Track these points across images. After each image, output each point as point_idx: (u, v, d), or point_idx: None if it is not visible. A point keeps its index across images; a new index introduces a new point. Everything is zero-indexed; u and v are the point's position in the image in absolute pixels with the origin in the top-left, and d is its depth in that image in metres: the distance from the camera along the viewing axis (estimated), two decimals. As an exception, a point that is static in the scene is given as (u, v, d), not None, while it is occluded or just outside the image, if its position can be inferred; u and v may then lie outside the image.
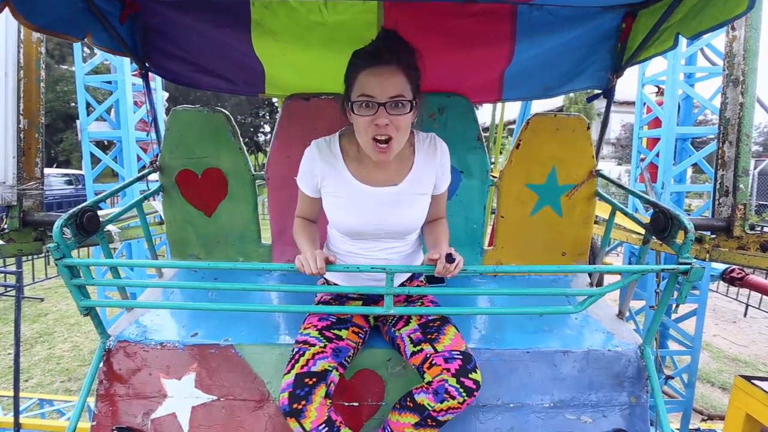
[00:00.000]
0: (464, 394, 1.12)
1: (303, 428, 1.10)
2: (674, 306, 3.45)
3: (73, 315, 5.37)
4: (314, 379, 1.13)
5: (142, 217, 1.74)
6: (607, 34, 1.79)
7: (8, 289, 5.33)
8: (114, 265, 1.38)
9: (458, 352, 1.18)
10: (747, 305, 5.51)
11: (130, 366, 1.38)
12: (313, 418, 1.10)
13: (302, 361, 1.16)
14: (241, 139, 1.84)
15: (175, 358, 1.37)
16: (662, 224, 1.40)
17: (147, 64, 1.87)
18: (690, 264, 1.18)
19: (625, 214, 1.66)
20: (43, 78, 1.59)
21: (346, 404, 1.33)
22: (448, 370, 1.15)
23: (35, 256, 6.49)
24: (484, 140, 1.84)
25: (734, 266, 2.31)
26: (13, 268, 3.85)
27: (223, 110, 1.79)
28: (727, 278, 2.30)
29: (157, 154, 1.83)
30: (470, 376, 1.14)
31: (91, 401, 1.46)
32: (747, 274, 2.25)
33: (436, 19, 1.71)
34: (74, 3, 1.47)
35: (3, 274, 4.74)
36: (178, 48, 1.83)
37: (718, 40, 3.16)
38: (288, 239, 1.80)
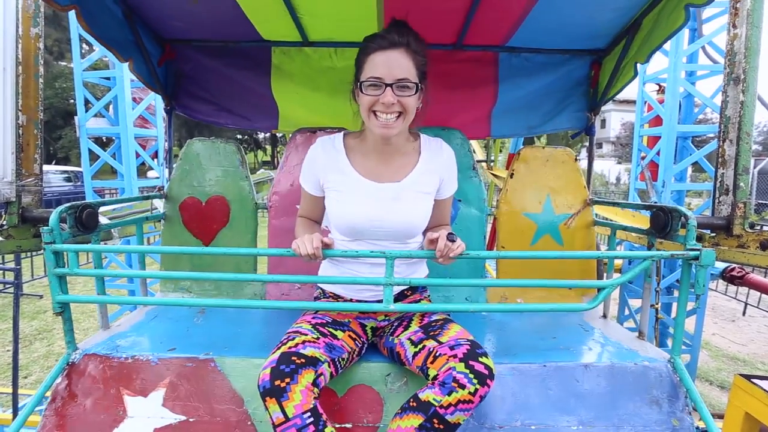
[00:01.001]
0: (476, 382, 0.99)
1: (284, 413, 0.95)
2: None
3: (72, 312, 5.36)
4: (303, 360, 1.02)
5: (139, 234, 1.79)
6: (579, 81, 2.06)
7: (7, 285, 5.33)
8: (102, 251, 1.35)
9: (465, 340, 1.09)
10: (746, 304, 5.52)
11: (93, 382, 1.23)
12: (297, 401, 0.96)
13: (290, 343, 1.07)
14: (248, 167, 1.93)
15: (144, 373, 1.23)
16: (663, 221, 1.39)
17: (174, 103, 2.08)
18: (699, 249, 1.16)
19: (626, 229, 1.74)
20: (41, 74, 1.58)
21: (338, 425, 1.17)
22: (455, 356, 1.03)
23: (34, 253, 6.48)
24: (479, 167, 1.95)
25: (734, 265, 2.31)
26: (12, 265, 3.85)
27: (234, 142, 1.90)
28: (727, 277, 2.30)
29: (162, 187, 1.92)
30: (481, 360, 1.02)
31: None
32: (747, 273, 2.25)
33: (431, 64, 1.85)
34: (125, 33, 1.72)
35: (2, 271, 4.75)
36: (204, 90, 2.08)
37: (720, 38, 3.16)
38: (284, 271, 1.79)
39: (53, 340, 4.64)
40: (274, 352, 1.05)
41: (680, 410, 1.23)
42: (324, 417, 1.01)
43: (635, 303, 3.75)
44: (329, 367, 1.09)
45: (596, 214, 1.91)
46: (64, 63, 20.32)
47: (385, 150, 1.27)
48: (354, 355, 1.22)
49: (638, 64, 1.80)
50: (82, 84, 3.60)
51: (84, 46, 3.57)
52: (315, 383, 1.02)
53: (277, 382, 0.97)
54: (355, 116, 1.30)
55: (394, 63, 1.14)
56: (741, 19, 1.70)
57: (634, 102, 3.79)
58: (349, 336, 1.22)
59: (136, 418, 1.17)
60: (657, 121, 3.49)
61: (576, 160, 1.90)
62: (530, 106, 2.10)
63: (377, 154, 1.28)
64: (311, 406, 0.98)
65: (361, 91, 1.17)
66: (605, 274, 1.89)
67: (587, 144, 2.23)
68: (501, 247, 1.87)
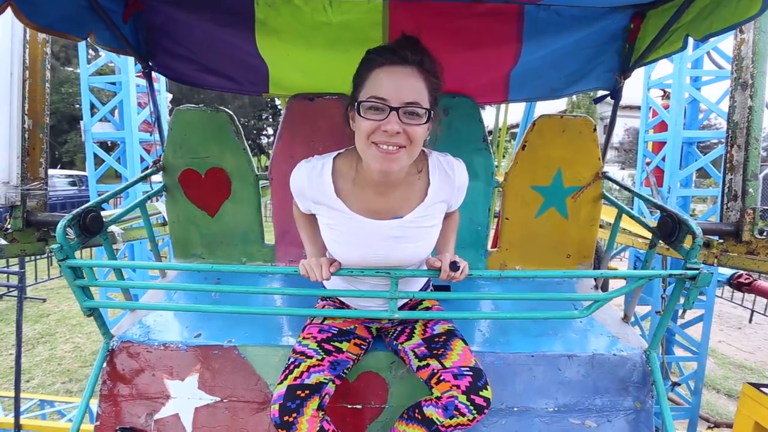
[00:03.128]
0: (474, 412, 1.08)
1: None
2: (681, 311, 3.42)
3: (75, 316, 5.37)
4: (307, 392, 1.09)
5: (145, 217, 1.73)
6: (614, 35, 1.75)
7: (11, 289, 5.34)
8: (117, 266, 1.37)
9: (468, 369, 1.13)
10: (752, 311, 5.46)
11: (134, 366, 1.37)
12: (304, 430, 1.06)
13: (296, 372, 1.12)
14: (245, 140, 1.84)
15: (178, 359, 1.36)
16: (670, 228, 1.38)
17: (150, 63, 1.85)
18: (698, 269, 1.16)
19: (632, 217, 1.63)
20: (48, 78, 1.59)
21: (349, 406, 1.32)
22: (458, 387, 1.10)
23: (38, 257, 6.50)
24: (489, 141, 1.83)
25: (742, 271, 2.29)
26: (16, 268, 3.85)
27: (226, 110, 1.78)
28: (735, 284, 2.28)
29: (161, 155, 1.82)
30: (481, 393, 1.10)
31: (94, 402, 1.45)
32: (755, 280, 2.22)
33: (442, 20, 1.68)
34: (77, 1, 1.45)
35: (6, 275, 4.76)
36: (181, 47, 1.80)
37: (725, 43, 3.16)
38: (291, 239, 1.82)
39: (56, 344, 4.64)
40: (281, 382, 1.12)
41: (644, 395, 1.35)
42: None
43: (641, 309, 3.71)
44: (333, 383, 1.16)
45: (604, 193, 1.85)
46: (70, 68, 20.53)
47: (384, 183, 1.06)
48: (360, 358, 1.28)
49: (690, 38, 1.49)
50: (88, 89, 3.63)
51: (90, 51, 3.59)
52: (320, 406, 1.10)
53: (285, 418, 1.06)
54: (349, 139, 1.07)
55: (403, 83, 0.94)
56: (748, 24, 1.70)
57: (637, 107, 3.78)
58: (354, 343, 1.25)
59: (179, 399, 1.33)
60: (662, 126, 3.47)
61: (594, 130, 1.74)
62: (555, 65, 1.81)
63: (375, 187, 1.07)
64: (317, 429, 1.07)
65: (359, 114, 0.95)
66: (603, 259, 1.86)
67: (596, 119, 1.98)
68: (505, 218, 1.84)
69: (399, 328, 1.29)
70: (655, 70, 3.55)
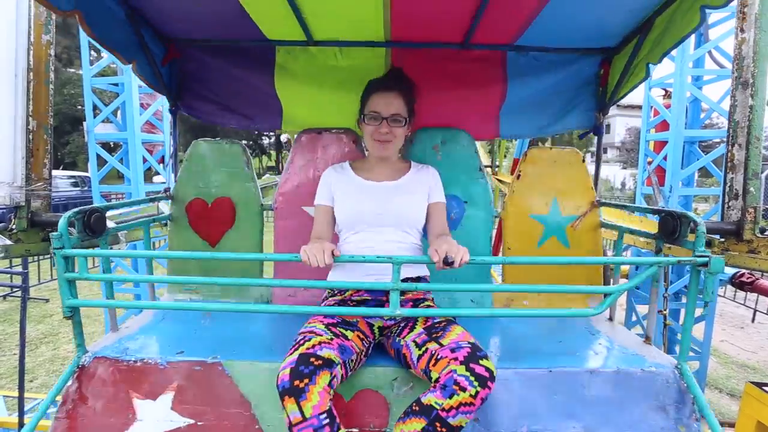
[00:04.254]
0: (476, 384, 1.01)
1: (302, 412, 0.99)
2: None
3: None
4: (320, 362, 1.05)
5: (146, 238, 1.78)
6: (588, 80, 2.02)
7: (14, 290, 5.37)
8: (111, 255, 1.36)
9: (466, 342, 1.11)
10: (755, 311, 5.44)
11: (103, 385, 1.24)
12: (315, 402, 1.00)
13: (308, 344, 1.10)
14: (254, 170, 1.93)
15: (154, 376, 1.24)
16: (671, 226, 1.38)
17: (178, 104, 2.07)
18: (708, 256, 1.15)
19: (633, 233, 1.69)
20: (52, 80, 1.60)
21: (345, 430, 1.18)
22: (456, 359, 1.06)
23: (41, 257, 6.53)
24: (486, 171, 1.90)
25: (744, 270, 2.29)
26: (19, 269, 3.87)
27: (240, 142, 1.90)
28: (737, 282, 2.27)
29: (168, 188, 1.92)
30: (481, 362, 1.05)
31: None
32: (757, 279, 2.22)
33: (437, 63, 1.95)
34: (129, 34, 1.70)
35: (9, 275, 4.78)
36: (207, 90, 2.06)
37: (727, 42, 3.15)
38: (291, 273, 1.80)
39: (59, 344, 4.66)
40: (291, 353, 1.08)
41: (687, 417, 1.21)
42: (338, 419, 1.04)
43: (642, 309, 3.71)
44: (341, 369, 1.12)
45: (603, 218, 1.90)
46: (72, 70, 20.60)
47: (382, 164, 1.57)
48: (362, 356, 1.25)
49: (650, 65, 1.73)
50: (90, 90, 3.65)
51: (92, 53, 3.61)
52: (330, 385, 1.05)
53: (296, 382, 1.01)
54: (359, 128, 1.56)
55: (389, 102, 1.46)
56: (749, 23, 1.70)
57: (638, 107, 3.78)
58: (358, 336, 1.25)
59: (146, 422, 1.18)
60: (663, 125, 3.47)
61: (583, 161, 1.87)
62: (539, 106, 2.04)
63: (376, 167, 1.58)
64: (327, 407, 1.02)
65: (364, 121, 1.49)
66: (612, 279, 1.87)
67: (593, 148, 2.21)
68: (507, 248, 1.86)
69: (402, 324, 1.31)
70: (656, 70, 3.55)
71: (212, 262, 1.82)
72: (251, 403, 1.20)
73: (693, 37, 3.24)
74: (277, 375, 1.04)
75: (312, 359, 1.05)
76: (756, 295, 4.94)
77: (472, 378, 1.02)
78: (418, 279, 1.45)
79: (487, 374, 1.03)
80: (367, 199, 1.47)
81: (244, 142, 2.00)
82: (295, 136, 1.95)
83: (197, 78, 2.04)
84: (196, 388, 1.22)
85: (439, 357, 1.10)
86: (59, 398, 1.23)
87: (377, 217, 1.43)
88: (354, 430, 1.20)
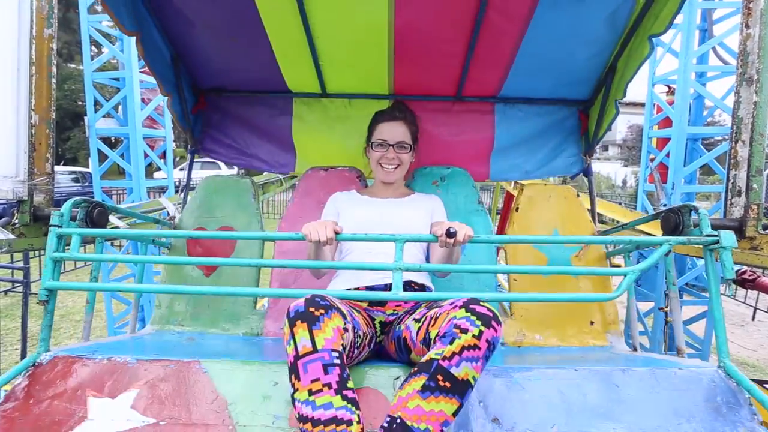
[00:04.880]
0: (479, 323, 0.89)
1: (313, 342, 0.89)
2: (731, 286, 3.38)
3: (79, 311, 5.40)
4: (334, 304, 1.00)
5: (143, 252, 1.82)
6: (570, 129, 2.23)
7: (15, 285, 5.38)
8: (108, 235, 1.35)
9: (465, 298, 1.01)
10: (755, 309, 5.44)
11: (57, 384, 1.09)
12: (329, 335, 0.91)
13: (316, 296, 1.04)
14: (259, 201, 2.06)
15: (119, 374, 1.11)
16: (673, 221, 1.38)
17: (199, 146, 2.24)
18: (716, 234, 1.14)
19: (640, 243, 1.65)
20: (54, 74, 1.59)
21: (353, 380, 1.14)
22: (455, 306, 0.96)
23: (41, 252, 6.54)
24: (484, 204, 2.03)
25: (745, 267, 2.28)
26: (21, 264, 3.88)
27: (250, 178, 2.03)
28: (739, 280, 2.27)
29: (173, 217, 2.00)
30: (482, 304, 0.95)
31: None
32: (759, 276, 2.21)
33: (435, 113, 2.21)
34: (170, 74, 1.93)
35: (10, 270, 4.79)
36: (228, 137, 2.28)
37: (731, 39, 3.13)
38: (284, 306, 1.74)
39: (60, 339, 4.67)
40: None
41: (748, 420, 1.04)
42: (348, 371, 0.95)
43: (643, 306, 3.71)
44: (351, 333, 1.03)
45: (604, 221, 1.91)
46: (73, 65, 20.54)
47: (387, 188, 1.71)
48: (365, 342, 1.20)
49: (617, 101, 1.91)
50: (92, 85, 3.64)
51: (93, 48, 3.60)
52: (345, 330, 0.97)
53: (311, 309, 0.93)
54: (365, 166, 1.80)
55: (395, 130, 1.63)
56: (754, 19, 1.69)
57: (640, 104, 3.76)
58: (363, 320, 1.26)
59: (96, 421, 1.04)
60: (666, 122, 3.46)
61: (577, 196, 1.95)
62: (526, 153, 2.25)
63: (381, 190, 1.72)
64: (340, 348, 0.93)
65: (372, 149, 1.66)
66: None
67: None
68: (513, 280, 1.89)
69: (403, 316, 1.31)
70: (659, 66, 3.53)
71: (205, 297, 1.77)
72: (227, 401, 1.10)
73: (697, 33, 3.23)
74: (288, 307, 0.96)
75: (327, 298, 0.99)
76: (756, 293, 4.93)
77: (473, 317, 0.90)
78: (423, 287, 1.47)
79: (489, 314, 0.92)
80: (371, 211, 1.59)
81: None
82: (304, 171, 2.11)
83: (219, 126, 2.27)
84: (166, 385, 1.11)
85: (438, 315, 1.01)
86: (7, 388, 1.11)
87: (380, 223, 1.50)
88: None
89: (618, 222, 1.97)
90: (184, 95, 2.02)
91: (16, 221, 1.45)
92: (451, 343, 0.89)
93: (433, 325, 1.00)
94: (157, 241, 1.86)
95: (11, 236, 1.40)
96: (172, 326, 1.74)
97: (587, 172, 2.22)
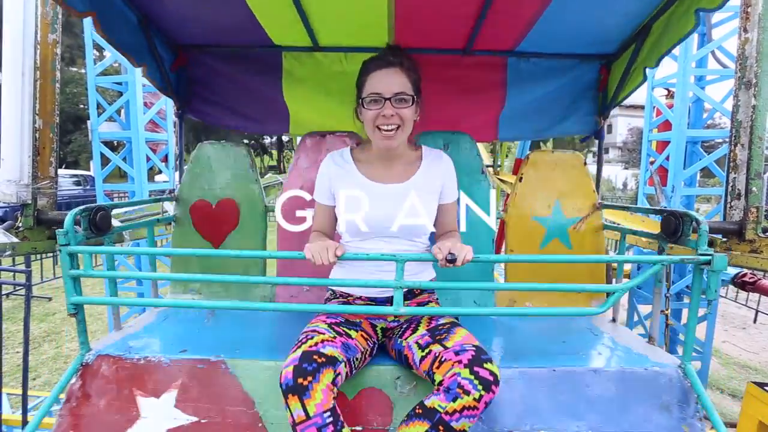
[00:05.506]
0: (480, 388, 1.00)
1: (305, 411, 0.97)
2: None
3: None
4: (323, 359, 1.04)
5: (150, 238, 1.80)
6: (588, 85, 2.05)
7: (17, 288, 5.39)
8: (116, 253, 1.37)
9: (470, 345, 1.09)
10: (757, 311, 5.43)
11: (106, 383, 1.24)
12: (318, 400, 0.98)
13: (310, 342, 1.08)
14: (258, 171, 1.95)
15: (157, 374, 1.24)
16: (673, 226, 1.39)
17: (186, 107, 2.11)
18: (710, 254, 1.15)
19: (636, 234, 1.70)
20: (58, 79, 1.62)
21: (348, 428, 1.18)
22: (460, 362, 1.04)
23: (43, 256, 6.56)
24: (488, 173, 1.94)
25: (746, 270, 2.29)
26: (22, 267, 3.89)
27: (244, 144, 1.93)
28: (739, 282, 2.27)
29: (173, 190, 1.96)
30: (486, 366, 1.03)
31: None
32: (759, 279, 2.22)
33: (440, 69, 2.00)
34: (140, 39, 1.74)
35: (12, 273, 4.81)
36: (215, 95, 2.10)
37: (730, 42, 3.14)
38: (294, 273, 1.79)
39: (62, 342, 4.68)
40: (294, 351, 1.07)
41: (691, 416, 1.22)
42: (341, 417, 1.03)
43: (644, 309, 3.71)
44: (345, 366, 1.11)
45: (605, 219, 1.91)
46: (75, 68, 20.65)
47: (388, 157, 1.38)
48: (366, 356, 1.24)
49: (647, 69, 1.78)
50: (95, 89, 3.66)
51: (95, 52, 3.63)
52: (334, 382, 1.04)
53: (299, 380, 0.99)
54: (362, 129, 1.40)
55: (391, 79, 1.26)
56: (752, 23, 1.70)
57: (640, 107, 3.77)
58: (362, 336, 1.24)
59: (150, 419, 1.19)
60: (666, 125, 3.47)
61: (585, 164, 1.89)
62: (538, 110, 2.09)
63: (382, 162, 1.38)
64: (331, 405, 1.01)
65: (364, 107, 1.29)
66: (614, 279, 1.88)
67: (594, 149, 2.22)
68: (510, 250, 1.87)
69: (405, 325, 1.30)
70: (659, 70, 3.54)
71: (215, 263, 1.82)
72: (254, 400, 1.21)
73: (696, 37, 3.24)
74: (280, 373, 1.03)
75: (315, 356, 1.04)
76: (758, 295, 4.92)
77: (476, 382, 1.00)
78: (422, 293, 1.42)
79: (491, 378, 1.02)
80: (372, 208, 1.32)
81: (245, 141, 2.01)
82: (299, 139, 2.00)
83: (205, 83, 2.09)
84: (199, 386, 1.23)
85: (443, 359, 1.08)
86: (62, 396, 1.24)
87: (383, 226, 1.32)
88: (357, 428, 1.20)
89: (618, 224, 1.96)
90: (160, 56, 1.85)
91: (20, 225, 1.46)
92: (453, 401, 1.00)
93: (437, 368, 1.08)
94: (161, 219, 1.88)
95: (15, 239, 1.41)
96: (189, 295, 1.85)
97: (599, 134, 2.08)
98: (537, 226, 1.85)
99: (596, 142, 2.17)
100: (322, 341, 1.10)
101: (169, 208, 2.08)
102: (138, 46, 1.75)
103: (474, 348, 1.08)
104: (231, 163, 1.88)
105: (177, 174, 2.14)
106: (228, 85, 2.07)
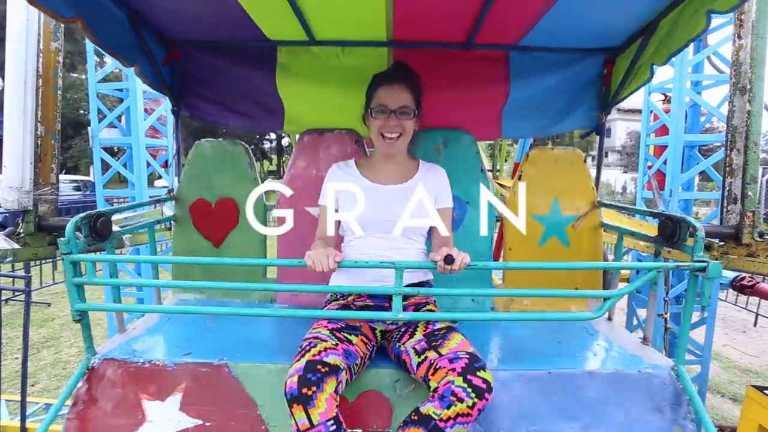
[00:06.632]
0: (473, 396, 1.04)
1: (310, 420, 1.01)
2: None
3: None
4: (326, 369, 1.07)
5: (151, 241, 1.81)
6: (591, 79, 2.00)
7: (16, 294, 5.38)
8: (118, 260, 1.38)
9: (464, 353, 1.13)
10: (757, 314, 5.43)
11: (112, 387, 1.27)
12: (322, 409, 1.02)
13: (314, 351, 1.11)
14: (257, 169, 1.94)
15: (161, 378, 1.26)
16: (670, 230, 1.40)
17: (180, 103, 2.07)
18: (705, 261, 1.17)
19: (633, 234, 1.71)
20: (60, 86, 1.63)
21: (348, 431, 1.21)
22: (454, 370, 1.08)
23: (42, 261, 6.55)
24: (487, 172, 1.92)
25: (744, 274, 2.30)
26: (21, 272, 3.89)
27: (242, 143, 1.90)
28: (737, 286, 2.28)
29: (171, 189, 1.95)
30: (479, 374, 1.07)
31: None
32: (757, 282, 2.23)
33: (441, 63, 1.94)
34: (130, 37, 1.70)
35: (11, 279, 4.80)
36: (209, 90, 2.06)
37: (726, 48, 3.17)
38: (294, 274, 1.81)
39: (60, 348, 4.66)
40: (297, 360, 1.10)
41: (683, 418, 1.24)
42: (344, 425, 1.06)
43: (643, 312, 3.71)
44: (347, 374, 1.13)
45: (603, 221, 1.91)
46: (75, 74, 20.74)
47: (389, 163, 1.53)
48: (366, 360, 1.27)
49: (655, 66, 1.73)
50: (96, 95, 3.68)
51: (96, 58, 3.65)
52: (336, 391, 1.07)
53: (304, 390, 1.03)
54: (361, 125, 1.55)
55: (397, 95, 1.43)
56: (746, 30, 1.72)
57: (639, 111, 3.80)
58: (362, 341, 1.27)
59: (155, 422, 1.21)
60: (663, 130, 3.49)
61: (585, 161, 1.88)
62: (542, 105, 2.03)
63: (383, 166, 1.53)
64: (334, 414, 1.04)
65: (371, 116, 1.45)
66: (611, 282, 1.89)
67: (593, 152, 2.22)
68: (508, 249, 1.87)
69: (403, 329, 1.32)
70: (656, 75, 3.57)
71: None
72: (257, 403, 1.23)
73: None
74: (285, 382, 1.05)
75: (319, 366, 1.07)
76: (758, 299, 4.93)
77: (469, 389, 1.04)
78: (421, 284, 1.46)
79: (484, 386, 1.05)
80: (373, 205, 1.43)
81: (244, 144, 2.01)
82: (297, 137, 1.96)
83: (198, 78, 2.04)
84: (203, 389, 1.24)
85: (437, 367, 1.11)
86: (69, 402, 1.26)
87: (383, 224, 1.41)
88: (358, 430, 1.22)
89: (617, 227, 1.96)
90: (152, 52, 1.81)
91: (21, 231, 1.47)
92: (447, 408, 1.04)
93: (432, 375, 1.12)
94: (161, 219, 1.88)
95: (16, 246, 1.42)
96: (191, 295, 1.87)
97: (600, 130, 2.05)
98: (535, 224, 1.85)
99: (595, 145, 2.19)
100: (326, 349, 1.13)
101: (168, 211, 2.09)
102: (129, 45, 1.71)
103: (468, 356, 1.11)
104: (229, 161, 1.87)
105: (175, 177, 2.14)
106: (221, 80, 2.02)
